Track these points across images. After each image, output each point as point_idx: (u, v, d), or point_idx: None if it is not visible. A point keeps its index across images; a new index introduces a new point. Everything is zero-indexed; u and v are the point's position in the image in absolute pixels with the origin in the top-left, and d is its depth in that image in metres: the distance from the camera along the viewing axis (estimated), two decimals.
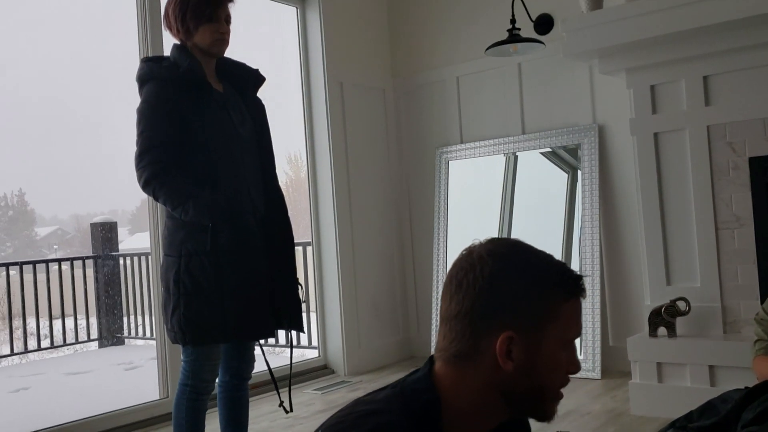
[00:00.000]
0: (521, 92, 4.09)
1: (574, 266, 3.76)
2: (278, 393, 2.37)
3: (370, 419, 0.98)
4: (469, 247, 1.07)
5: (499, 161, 4.15)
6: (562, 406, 3.11)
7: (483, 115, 4.25)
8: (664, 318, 2.95)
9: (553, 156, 3.96)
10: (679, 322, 2.97)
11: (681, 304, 2.95)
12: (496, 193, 4.11)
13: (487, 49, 3.76)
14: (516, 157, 4.08)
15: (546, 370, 1.02)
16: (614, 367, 3.65)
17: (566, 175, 3.89)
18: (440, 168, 4.36)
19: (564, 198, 3.87)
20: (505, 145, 4.12)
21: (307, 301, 4.90)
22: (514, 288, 1.01)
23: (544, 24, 3.93)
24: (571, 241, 3.80)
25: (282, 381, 2.61)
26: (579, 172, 3.83)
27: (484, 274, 1.01)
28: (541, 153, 3.99)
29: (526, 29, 3.84)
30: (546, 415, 1.06)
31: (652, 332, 2.98)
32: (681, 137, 3.07)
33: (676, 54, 3.01)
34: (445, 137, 4.40)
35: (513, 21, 3.70)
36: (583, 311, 3.66)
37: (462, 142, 4.32)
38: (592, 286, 3.68)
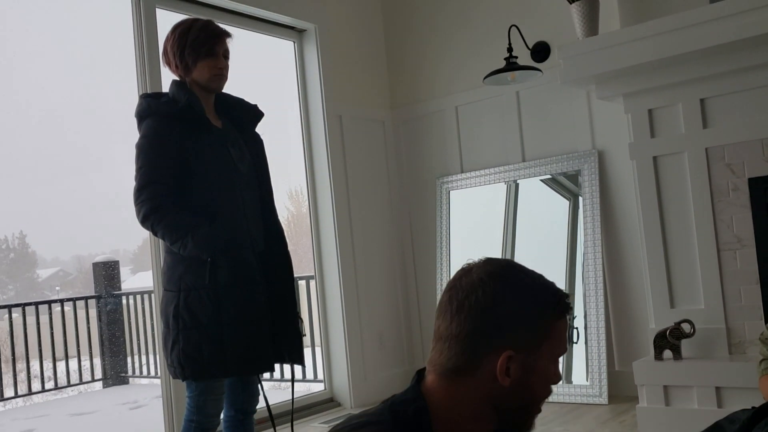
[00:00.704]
0: (520, 120, 4.12)
1: (578, 293, 3.74)
2: (274, 429, 2.35)
3: (363, 429, 1.03)
4: (466, 268, 1.11)
5: (499, 189, 4.15)
6: None
7: (483, 143, 4.27)
8: (669, 341, 2.93)
9: (554, 183, 3.97)
10: (685, 344, 2.95)
11: (686, 327, 2.93)
12: (498, 222, 4.11)
13: (485, 78, 3.79)
14: (517, 185, 4.09)
15: (539, 386, 1.09)
16: (621, 392, 3.61)
17: (568, 202, 3.89)
18: (441, 198, 4.37)
19: (566, 224, 3.87)
20: (505, 173, 4.14)
21: (307, 335, 4.88)
22: (514, 310, 1.07)
23: (541, 52, 3.97)
24: (575, 268, 3.78)
25: (287, 415, 2.59)
26: (580, 198, 3.84)
27: (486, 296, 1.06)
28: (542, 180, 4.00)
29: (523, 57, 3.88)
30: (529, 426, 1.13)
31: (658, 355, 2.96)
32: (680, 160, 3.08)
33: (672, 78, 3.04)
34: (446, 167, 4.42)
35: (510, 49, 3.74)
36: (589, 337, 3.64)
37: (462, 172, 4.33)
38: (596, 312, 3.65)
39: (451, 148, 4.39)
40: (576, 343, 3.69)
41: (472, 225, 4.25)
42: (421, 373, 1.13)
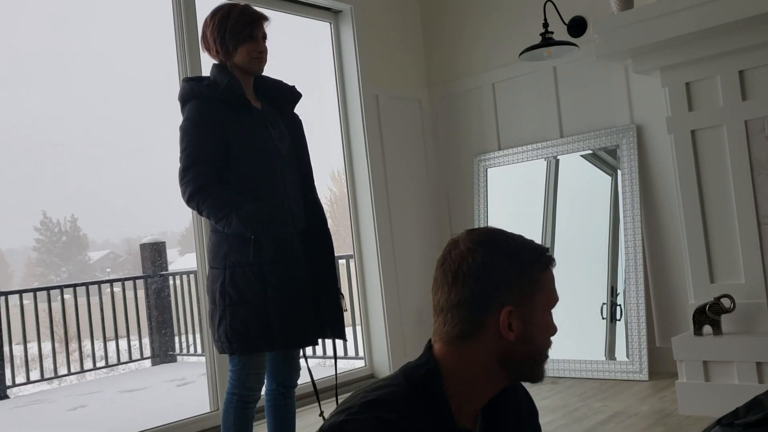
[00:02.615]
0: (557, 96, 4.09)
1: (620, 269, 3.73)
2: (319, 403, 2.41)
3: (377, 392, 1.11)
4: (452, 242, 1.19)
5: (538, 166, 4.15)
6: (609, 408, 3.09)
7: (520, 120, 4.26)
8: (708, 316, 2.91)
9: (595, 158, 3.94)
10: (725, 319, 2.93)
11: (725, 302, 2.90)
12: (538, 199, 4.11)
13: (520, 54, 3.78)
14: (557, 161, 4.07)
15: (540, 336, 1.16)
16: (662, 368, 3.60)
17: (610, 178, 3.87)
18: (479, 176, 4.38)
19: (608, 200, 3.84)
20: (543, 149, 4.13)
21: (348, 311, 4.95)
22: (505, 269, 1.14)
23: (577, 26, 3.93)
24: (617, 244, 3.76)
25: (330, 390, 2.66)
26: (618, 173, 3.81)
27: (477, 262, 1.14)
28: (583, 156, 3.98)
29: (560, 32, 3.85)
30: (539, 376, 1.18)
31: (697, 331, 2.95)
32: (719, 133, 3.04)
33: (710, 50, 2.99)
34: (483, 144, 4.42)
35: (546, 25, 3.71)
36: (628, 313, 3.63)
37: (500, 149, 4.34)
38: (636, 288, 3.64)
39: (488, 126, 4.39)
40: (619, 320, 3.69)
41: (511, 202, 4.25)
42: (430, 344, 1.20)
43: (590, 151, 3.95)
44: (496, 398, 1.21)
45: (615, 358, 3.67)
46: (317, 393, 2.42)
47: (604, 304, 3.77)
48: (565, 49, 3.72)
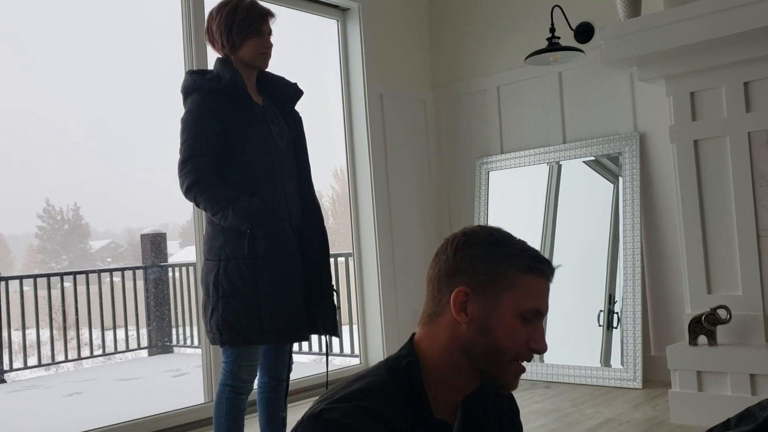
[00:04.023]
0: (562, 101, 4.10)
1: (618, 277, 3.73)
2: (285, 404, 2.41)
3: (358, 382, 1.12)
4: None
5: (540, 171, 4.15)
6: (601, 415, 3.09)
7: (524, 124, 4.26)
8: (704, 326, 2.91)
9: (597, 165, 3.94)
10: (720, 330, 2.93)
11: (722, 312, 2.90)
12: (539, 203, 4.11)
13: (526, 57, 3.78)
14: (560, 167, 4.07)
15: (501, 333, 1.13)
16: (656, 376, 3.60)
17: (612, 185, 3.86)
18: (480, 178, 4.39)
19: (609, 207, 3.84)
20: (546, 154, 4.13)
21: (345, 309, 4.96)
22: (474, 253, 1.15)
23: (584, 32, 3.93)
24: (617, 252, 3.76)
25: (322, 387, 2.67)
26: (620, 180, 3.81)
27: (452, 244, 1.18)
28: (584, 162, 3.98)
29: (566, 38, 3.85)
30: (505, 381, 1.16)
31: (692, 341, 2.95)
32: (721, 144, 3.04)
33: (716, 60, 2.99)
34: (486, 147, 4.42)
35: (552, 30, 3.72)
36: (624, 321, 3.62)
37: (503, 152, 4.34)
38: (633, 296, 3.64)
39: (491, 129, 4.39)
40: (616, 328, 3.69)
41: (512, 206, 4.25)
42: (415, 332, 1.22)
43: (593, 158, 3.95)
44: (477, 394, 1.22)
45: (610, 365, 3.67)
46: (287, 392, 2.43)
47: (601, 311, 3.77)
48: (571, 54, 3.72)
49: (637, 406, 3.22)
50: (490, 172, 4.36)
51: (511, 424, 1.31)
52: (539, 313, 1.15)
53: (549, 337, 3.97)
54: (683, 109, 3.12)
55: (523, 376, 3.57)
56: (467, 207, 4.46)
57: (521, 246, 1.17)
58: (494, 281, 1.13)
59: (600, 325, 3.76)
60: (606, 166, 3.91)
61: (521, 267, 1.14)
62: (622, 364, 3.62)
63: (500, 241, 1.16)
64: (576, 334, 3.82)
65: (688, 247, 3.11)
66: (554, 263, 1.19)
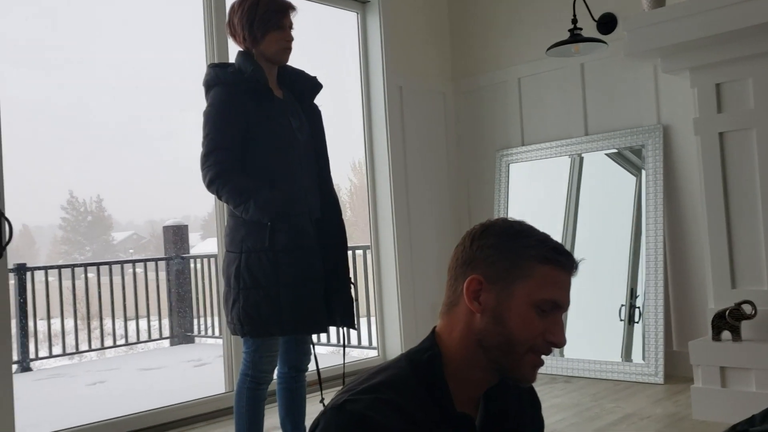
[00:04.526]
0: (584, 93, 4.06)
1: (640, 271, 3.69)
2: (321, 390, 2.43)
3: (381, 374, 1.13)
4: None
5: (562, 163, 4.12)
6: (622, 409, 3.07)
7: (545, 116, 4.23)
8: (728, 321, 2.87)
9: (620, 158, 3.90)
10: (745, 325, 2.89)
11: (746, 308, 2.86)
12: (560, 196, 4.08)
13: (548, 49, 3.75)
14: (581, 159, 4.04)
15: (515, 324, 1.12)
16: (678, 372, 3.57)
17: (634, 178, 3.82)
18: (500, 171, 4.36)
19: (632, 201, 3.80)
20: (567, 146, 4.10)
21: (363, 301, 4.97)
22: (491, 242, 1.15)
23: (607, 23, 3.89)
24: (639, 245, 3.73)
25: (339, 378, 2.68)
26: (643, 173, 3.77)
27: (470, 234, 1.18)
28: (607, 154, 3.95)
29: (589, 29, 3.81)
30: (521, 373, 1.14)
31: (716, 336, 2.91)
32: (747, 137, 2.99)
33: (742, 51, 2.94)
34: (506, 140, 4.40)
35: (575, 21, 3.67)
36: (646, 315, 3.59)
37: (523, 145, 4.31)
38: (655, 290, 3.61)
39: (512, 121, 4.37)
40: (637, 322, 3.66)
41: (532, 199, 4.23)
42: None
43: (615, 150, 3.91)
44: (498, 387, 1.21)
45: (631, 360, 3.65)
46: (320, 380, 2.44)
47: (622, 305, 3.74)
48: (593, 46, 3.68)
49: (659, 401, 3.20)
50: (510, 165, 4.34)
51: (533, 418, 1.31)
52: (556, 305, 1.13)
53: (569, 332, 3.94)
54: (708, 101, 3.08)
55: (543, 370, 3.55)
56: (487, 200, 4.44)
57: (540, 237, 1.15)
58: (509, 271, 1.12)
59: (621, 320, 3.73)
60: (629, 159, 3.87)
61: (538, 258, 1.12)
62: (643, 358, 3.59)
63: (519, 232, 1.15)
64: (597, 328, 3.80)
65: (712, 241, 3.08)
66: (576, 257, 1.17)
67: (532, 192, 4.25)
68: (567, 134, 4.12)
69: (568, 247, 3.94)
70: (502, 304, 1.12)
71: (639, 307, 3.67)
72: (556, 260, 1.13)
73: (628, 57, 3.30)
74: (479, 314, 1.13)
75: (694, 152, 3.48)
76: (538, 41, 4.17)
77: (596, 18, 3.86)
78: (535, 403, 1.32)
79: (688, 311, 3.65)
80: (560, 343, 1.13)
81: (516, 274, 1.12)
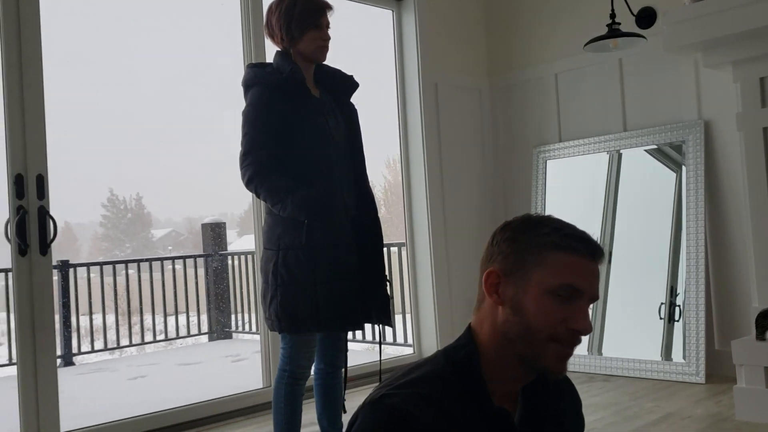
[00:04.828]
0: (622, 88, 4.01)
1: (680, 269, 3.63)
2: (344, 392, 2.45)
3: (418, 370, 1.14)
4: None
5: (600, 160, 4.07)
6: (661, 409, 3.03)
7: (583, 112, 4.19)
8: None
9: (659, 154, 3.84)
10: None
11: None
12: (598, 193, 4.03)
13: (585, 44, 3.70)
14: (620, 155, 3.99)
15: (532, 312, 1.11)
16: (720, 371, 3.50)
17: (674, 174, 3.76)
18: (538, 167, 4.33)
19: (672, 197, 3.74)
20: (605, 143, 4.05)
21: (398, 298, 4.98)
22: (507, 236, 1.17)
23: (646, 17, 3.83)
24: (679, 243, 3.66)
25: (375, 375, 2.69)
26: (683, 170, 3.71)
27: (494, 231, 1.21)
28: (646, 150, 3.89)
29: (627, 23, 3.76)
30: (544, 364, 1.12)
31: (760, 335, 2.85)
32: None
33: None
34: (543, 136, 4.36)
35: (613, 15, 3.62)
36: (687, 314, 3.53)
37: (561, 141, 4.27)
38: (696, 288, 3.55)
39: (549, 117, 4.33)
40: (677, 321, 3.60)
41: (570, 195, 4.19)
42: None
43: (655, 146, 3.85)
44: (537, 383, 1.20)
45: (671, 359, 3.59)
46: (346, 381, 2.46)
47: (662, 303, 3.69)
48: (632, 40, 3.62)
49: (700, 401, 3.14)
50: (547, 161, 4.30)
51: (573, 416, 1.30)
52: (574, 289, 1.11)
53: (608, 330, 3.90)
54: (752, 96, 3.01)
55: (581, 368, 3.52)
56: (524, 196, 4.41)
57: (556, 226, 1.15)
58: (524, 261, 1.13)
59: (661, 318, 3.67)
60: (668, 155, 3.81)
61: (551, 245, 1.13)
62: (684, 358, 3.53)
63: (536, 224, 1.17)
64: (636, 326, 3.75)
65: (756, 238, 3.01)
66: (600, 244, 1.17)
67: (569, 189, 4.21)
68: (605, 130, 4.07)
69: (606, 245, 3.91)
70: (519, 294, 1.13)
71: (679, 306, 3.61)
72: (571, 246, 1.13)
73: (668, 51, 3.25)
74: (501, 307, 1.14)
75: (737, 148, 3.41)
76: (575, 36, 4.12)
77: (635, 12, 3.81)
78: (575, 401, 1.32)
79: (730, 310, 3.58)
80: (582, 330, 1.12)
81: (531, 262, 1.13)
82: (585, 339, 3.97)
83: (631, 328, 3.76)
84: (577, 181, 4.18)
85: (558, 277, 1.11)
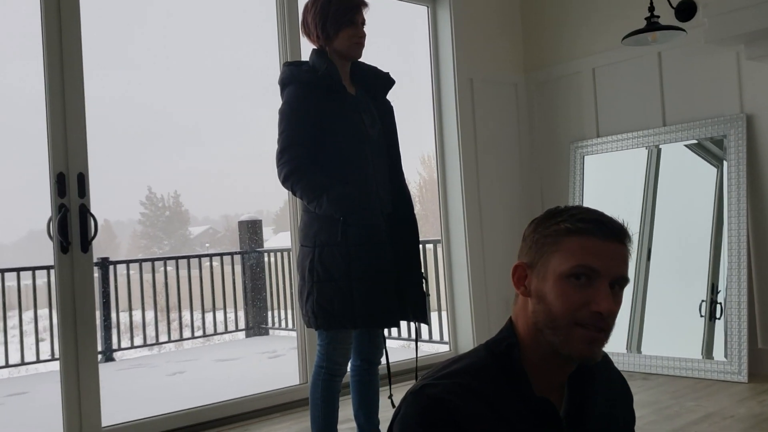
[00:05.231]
0: (661, 82, 3.94)
1: (722, 266, 3.55)
2: (390, 387, 2.45)
3: (459, 362, 1.16)
4: None
5: (638, 155, 4.01)
6: (703, 408, 2.97)
7: (620, 107, 4.13)
8: None
9: (700, 148, 3.77)
10: None
11: None
12: (637, 189, 3.97)
13: (623, 38, 3.65)
14: (659, 150, 3.92)
15: (553, 299, 1.13)
16: (763, 370, 3.43)
17: (714, 169, 3.69)
18: (575, 163, 4.28)
19: (712, 193, 3.67)
20: (644, 138, 3.98)
21: (434, 295, 4.97)
22: (531, 229, 1.20)
23: (686, 10, 3.75)
24: (721, 239, 3.59)
25: (411, 372, 2.69)
26: (724, 164, 3.63)
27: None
28: (686, 145, 3.82)
29: (666, 16, 3.69)
30: (573, 349, 1.11)
31: None
32: None
33: None
34: (581, 131, 4.31)
35: (651, 8, 3.56)
36: (729, 311, 3.46)
37: (598, 136, 4.22)
38: (738, 285, 3.47)
39: (586, 112, 4.28)
40: (718, 319, 3.54)
41: (608, 191, 4.13)
42: None
43: (695, 141, 3.78)
44: (584, 374, 1.20)
45: (712, 358, 3.52)
46: (390, 376, 2.46)
47: (703, 301, 3.62)
48: (671, 34, 3.56)
49: (742, 400, 3.08)
50: (585, 157, 4.25)
51: (624, 410, 1.31)
52: (590, 270, 1.11)
53: (647, 327, 3.84)
54: None
55: (620, 366, 3.47)
56: (561, 192, 4.36)
57: (573, 212, 1.17)
58: (542, 251, 1.15)
59: (701, 316, 3.61)
60: (709, 150, 3.73)
61: (564, 231, 1.14)
62: (725, 356, 3.46)
63: (555, 214, 1.18)
64: (676, 324, 3.69)
65: None
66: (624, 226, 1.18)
67: (607, 185, 4.15)
68: (644, 125, 4.01)
69: (645, 241, 3.84)
70: (541, 284, 1.15)
71: (720, 303, 3.54)
72: (583, 229, 1.13)
73: (709, 44, 3.18)
74: (529, 298, 1.17)
75: None
76: (613, 30, 4.06)
77: (674, 5, 3.73)
78: (627, 395, 1.32)
79: None
80: (604, 310, 1.10)
81: (548, 251, 1.15)
82: (623, 336, 3.90)
83: (671, 326, 3.70)
84: (615, 176, 4.12)
85: (571, 260, 1.12)
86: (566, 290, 1.11)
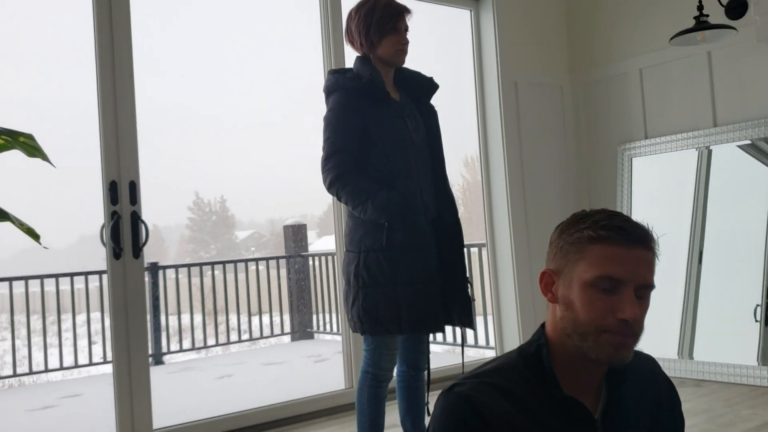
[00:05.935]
0: (711, 82, 3.85)
1: None
2: (427, 394, 2.44)
3: (490, 364, 1.20)
4: None
5: (689, 156, 3.92)
6: (759, 417, 2.89)
7: (669, 108, 4.05)
8: None
9: (753, 149, 3.67)
10: None
11: None
12: (687, 191, 3.89)
13: (671, 38, 3.58)
14: (710, 152, 3.83)
15: (579, 307, 1.13)
16: None
17: None
18: (623, 166, 4.21)
19: (767, 195, 3.56)
20: (694, 139, 3.90)
21: (479, 300, 4.93)
22: (556, 236, 1.21)
23: (736, 8, 3.65)
24: None
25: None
26: None
27: None
28: (739, 146, 3.72)
29: (716, 15, 3.60)
30: (602, 354, 1.12)
31: None
32: None
33: None
34: (628, 133, 4.24)
35: (700, 7, 3.49)
36: None
37: (647, 138, 4.14)
38: None
39: (634, 113, 4.21)
40: (757, 321, 3.43)
41: (657, 194, 4.05)
42: None
43: (748, 142, 3.68)
44: (622, 375, 1.20)
45: (766, 364, 3.42)
46: (429, 383, 2.46)
47: (758, 305, 3.52)
48: (721, 32, 3.48)
49: None
50: (633, 159, 4.17)
51: (671, 414, 1.30)
52: (614, 280, 1.11)
53: (699, 332, 3.75)
54: None
55: (670, 372, 3.42)
56: (608, 195, 4.30)
57: (597, 218, 1.16)
58: (567, 258, 1.17)
59: (756, 321, 3.51)
60: (763, 150, 3.63)
61: (587, 239, 1.14)
62: None
63: (579, 220, 1.18)
64: (729, 329, 3.59)
65: None
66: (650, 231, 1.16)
67: (657, 187, 4.07)
68: (693, 126, 3.92)
69: (695, 245, 3.76)
70: (567, 291, 1.16)
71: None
72: (605, 237, 1.13)
73: (762, 42, 3.09)
74: (556, 305, 1.18)
75: None
76: (660, 30, 3.99)
77: (724, 3, 3.65)
78: (673, 399, 1.31)
79: None
80: (629, 318, 1.10)
81: (573, 259, 1.16)
82: (675, 342, 3.82)
83: (725, 331, 3.61)
84: (664, 179, 4.04)
85: (594, 270, 1.13)
86: (591, 298, 1.12)
